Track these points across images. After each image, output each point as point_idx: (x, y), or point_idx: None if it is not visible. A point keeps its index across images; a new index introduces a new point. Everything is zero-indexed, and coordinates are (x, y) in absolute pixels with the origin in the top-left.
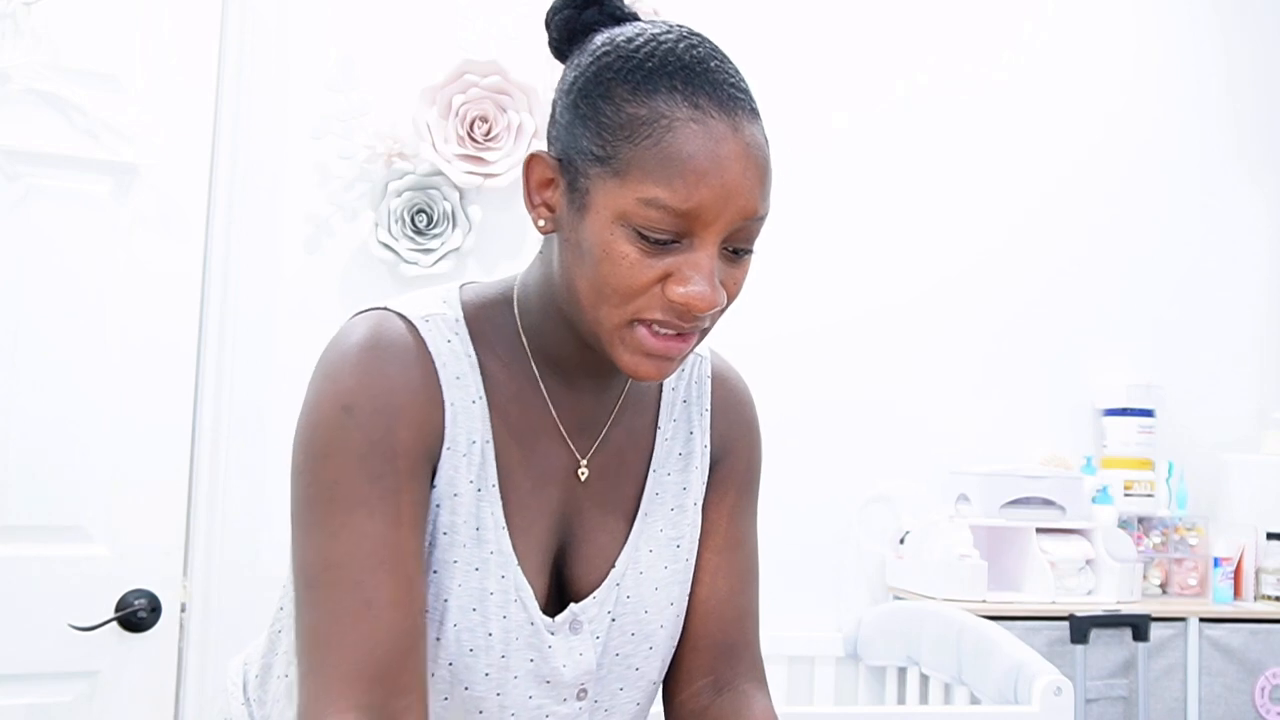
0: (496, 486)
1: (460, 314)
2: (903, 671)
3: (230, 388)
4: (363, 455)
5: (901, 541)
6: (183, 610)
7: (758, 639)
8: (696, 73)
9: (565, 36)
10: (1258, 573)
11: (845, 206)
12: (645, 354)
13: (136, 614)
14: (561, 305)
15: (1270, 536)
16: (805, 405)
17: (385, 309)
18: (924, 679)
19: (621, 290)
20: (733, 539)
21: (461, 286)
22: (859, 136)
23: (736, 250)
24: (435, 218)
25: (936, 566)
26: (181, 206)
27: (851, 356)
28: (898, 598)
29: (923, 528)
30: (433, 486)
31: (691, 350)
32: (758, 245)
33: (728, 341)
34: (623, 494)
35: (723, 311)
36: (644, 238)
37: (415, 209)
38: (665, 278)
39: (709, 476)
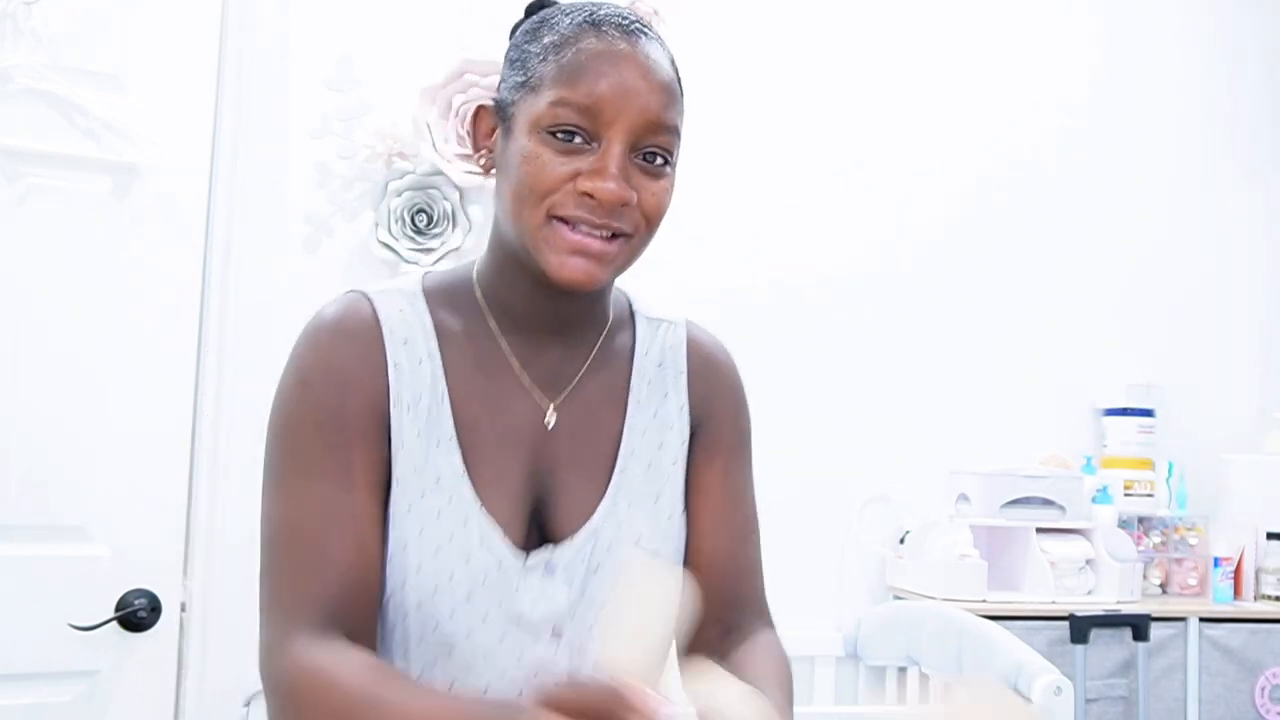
0: (455, 439)
1: (419, 289)
2: (903, 671)
3: (230, 388)
4: (319, 424)
5: (901, 541)
6: (183, 610)
7: (763, 590)
8: (606, 12)
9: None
10: (1258, 573)
11: (845, 206)
12: (569, 251)
13: (136, 614)
14: (504, 238)
15: (1270, 536)
16: (806, 405)
17: (352, 290)
18: (924, 679)
19: (538, 188)
20: (729, 497)
21: (425, 273)
22: (859, 135)
23: (649, 157)
24: (435, 217)
25: (936, 566)
26: (181, 206)
27: (852, 356)
28: (898, 597)
29: (923, 528)
30: (389, 441)
31: (616, 256)
32: (761, 245)
33: (730, 340)
34: (598, 450)
35: (649, 227)
36: (555, 137)
37: (415, 209)
38: (577, 175)
39: (694, 441)
